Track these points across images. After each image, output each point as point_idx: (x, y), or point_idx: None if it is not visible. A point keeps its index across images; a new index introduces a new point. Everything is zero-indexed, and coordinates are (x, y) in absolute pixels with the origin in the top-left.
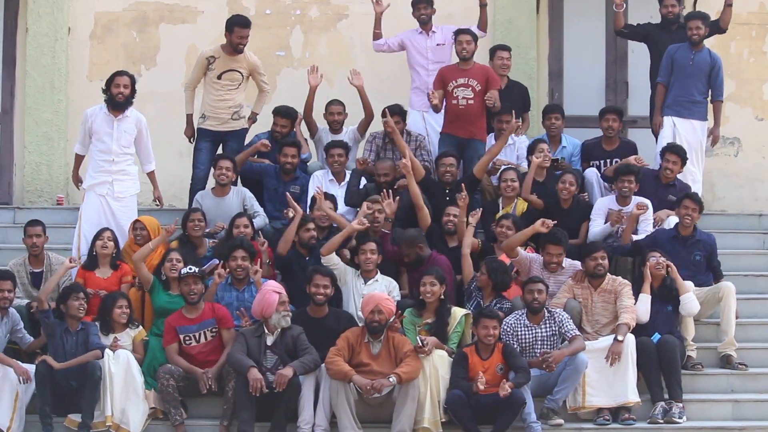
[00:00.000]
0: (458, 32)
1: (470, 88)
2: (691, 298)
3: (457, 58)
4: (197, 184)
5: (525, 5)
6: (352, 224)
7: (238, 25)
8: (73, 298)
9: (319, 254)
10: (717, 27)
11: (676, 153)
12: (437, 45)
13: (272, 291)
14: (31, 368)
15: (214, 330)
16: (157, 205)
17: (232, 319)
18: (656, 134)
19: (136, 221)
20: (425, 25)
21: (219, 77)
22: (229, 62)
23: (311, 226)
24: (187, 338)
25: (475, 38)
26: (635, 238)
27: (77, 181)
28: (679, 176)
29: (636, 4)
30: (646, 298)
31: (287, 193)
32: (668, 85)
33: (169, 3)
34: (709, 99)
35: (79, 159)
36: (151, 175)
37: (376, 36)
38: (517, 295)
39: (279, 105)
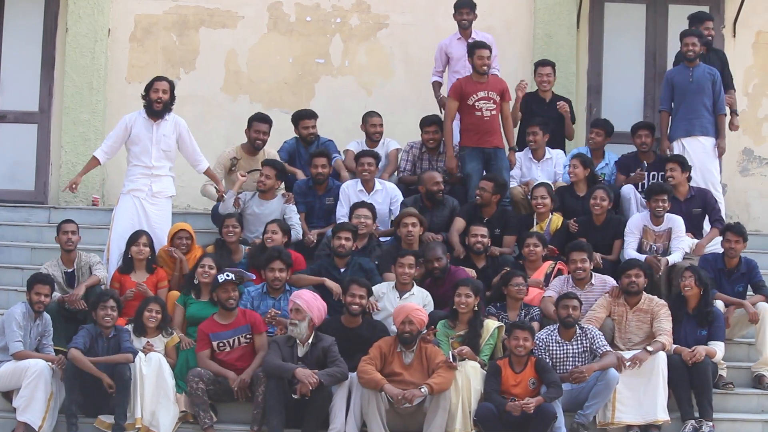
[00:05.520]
0: (476, 46)
1: (491, 101)
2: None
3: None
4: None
5: (565, 20)
6: (327, 281)
7: (257, 120)
8: (101, 308)
9: (354, 265)
10: None
11: (676, 161)
12: None
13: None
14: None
15: (248, 336)
16: (222, 198)
17: (264, 324)
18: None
19: (181, 230)
20: (465, 30)
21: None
22: (251, 162)
23: (343, 234)
24: (221, 344)
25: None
26: (670, 259)
27: (73, 183)
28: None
29: None
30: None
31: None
32: (671, 111)
33: (210, 7)
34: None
35: (93, 163)
36: (207, 173)
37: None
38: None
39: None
